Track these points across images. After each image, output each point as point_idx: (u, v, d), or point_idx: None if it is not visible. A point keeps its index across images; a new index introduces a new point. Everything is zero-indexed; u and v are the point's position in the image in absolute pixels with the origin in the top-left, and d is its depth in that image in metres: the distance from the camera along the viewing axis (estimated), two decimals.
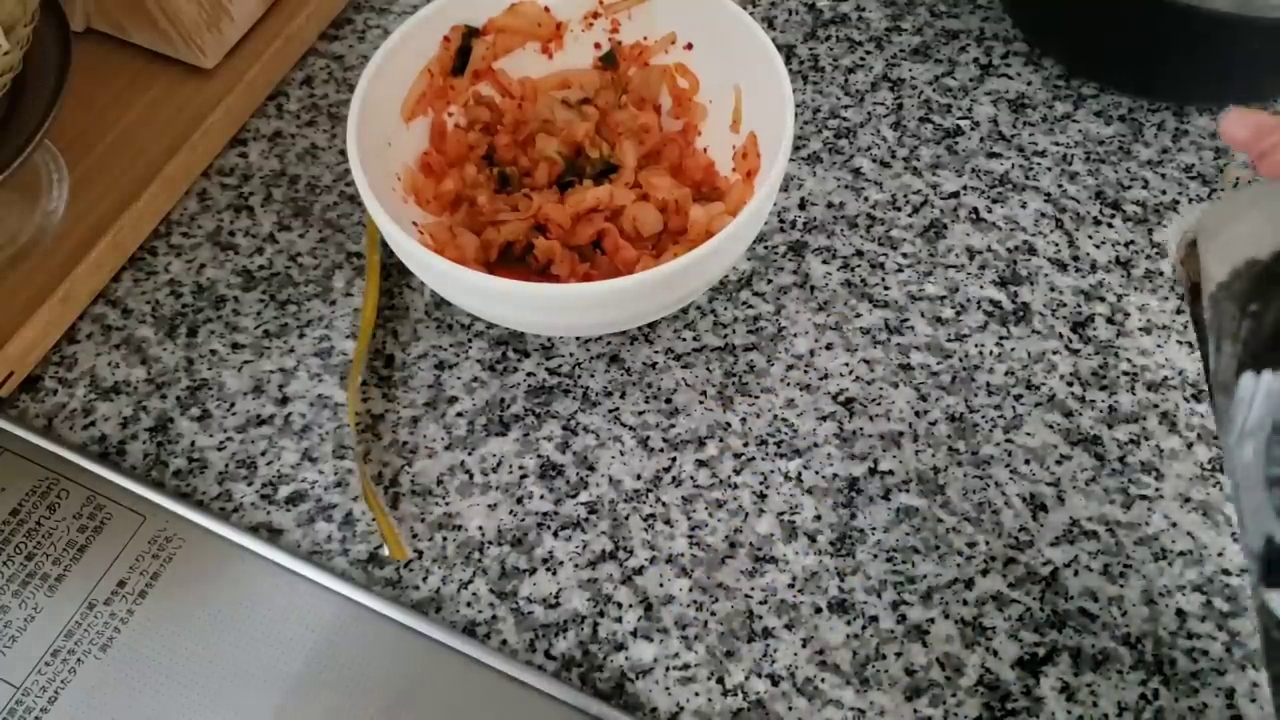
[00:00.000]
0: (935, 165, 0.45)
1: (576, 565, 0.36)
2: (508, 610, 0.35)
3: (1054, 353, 0.40)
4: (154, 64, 0.46)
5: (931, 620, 0.34)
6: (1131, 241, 0.43)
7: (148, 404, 0.39)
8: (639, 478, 0.37)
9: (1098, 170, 0.45)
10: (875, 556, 0.36)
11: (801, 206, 0.44)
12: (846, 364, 0.40)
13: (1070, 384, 0.39)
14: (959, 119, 0.46)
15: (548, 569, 0.36)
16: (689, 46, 0.42)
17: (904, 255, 0.42)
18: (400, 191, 0.39)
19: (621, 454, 0.38)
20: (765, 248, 0.43)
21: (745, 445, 0.38)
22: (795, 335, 0.40)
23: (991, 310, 0.41)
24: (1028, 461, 0.37)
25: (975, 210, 0.44)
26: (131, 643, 0.34)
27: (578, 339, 0.40)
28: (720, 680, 0.33)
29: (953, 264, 0.42)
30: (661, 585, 0.35)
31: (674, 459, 0.38)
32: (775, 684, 0.33)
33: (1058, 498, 0.37)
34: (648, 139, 0.42)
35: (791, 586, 0.35)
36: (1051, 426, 0.38)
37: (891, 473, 0.37)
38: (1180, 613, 0.34)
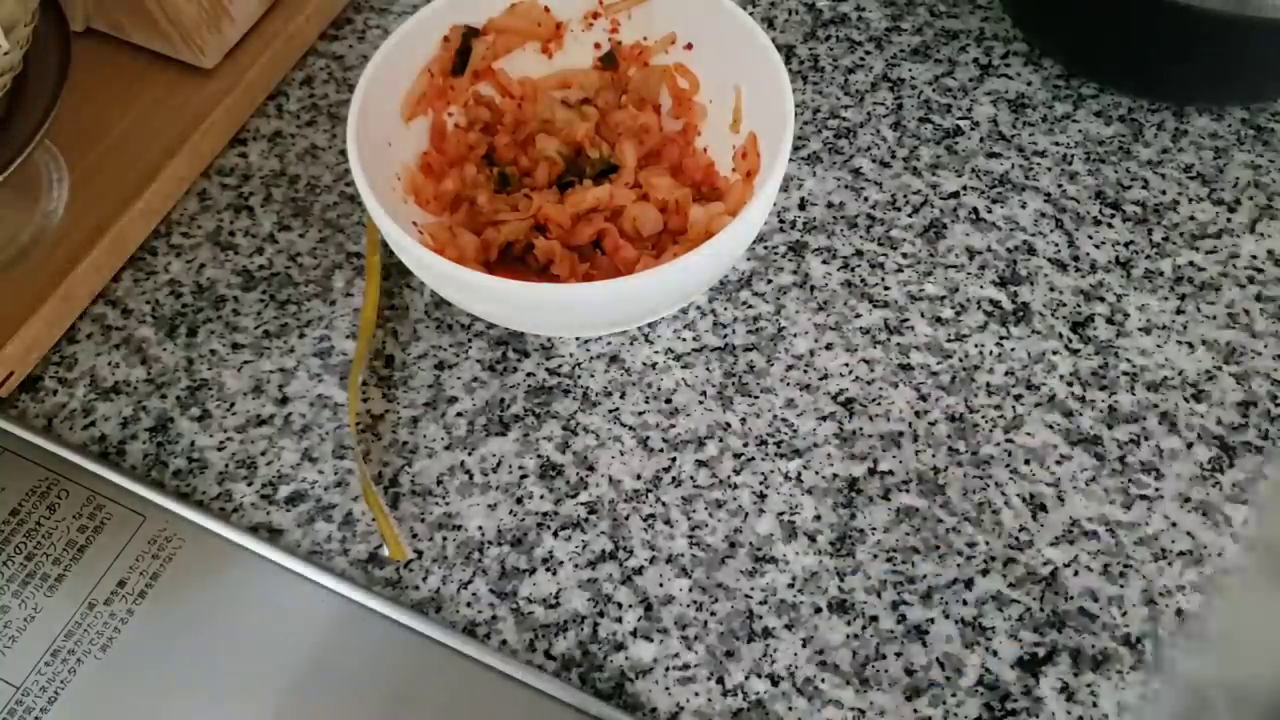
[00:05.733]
0: (935, 165, 0.45)
1: (576, 565, 0.36)
2: (508, 610, 0.35)
3: (1054, 353, 0.40)
4: (154, 64, 0.46)
5: (931, 620, 0.34)
6: (1131, 241, 0.43)
7: (148, 404, 0.39)
8: (639, 478, 0.37)
9: (1098, 170, 0.45)
10: (875, 556, 0.36)
11: (801, 206, 0.44)
12: (846, 364, 0.40)
13: (1070, 384, 0.39)
14: (959, 119, 0.46)
15: (548, 569, 0.36)
16: (689, 46, 0.42)
17: (904, 255, 0.42)
18: (400, 191, 0.39)
19: (621, 454, 0.38)
20: (765, 248, 0.43)
21: (745, 445, 0.38)
22: (795, 335, 0.40)
23: (991, 310, 0.41)
24: (1028, 461, 0.37)
25: (975, 210, 0.44)
26: (131, 643, 0.34)
27: (578, 339, 0.40)
28: (720, 680, 0.33)
29: (953, 264, 0.42)
30: (661, 585, 0.35)
31: (674, 459, 0.38)
32: (775, 684, 0.33)
33: (1058, 498, 0.37)
34: (648, 139, 0.42)
35: (791, 586, 0.35)
36: (1051, 426, 0.38)
37: (891, 473, 0.37)
38: (1180, 613, 0.34)
